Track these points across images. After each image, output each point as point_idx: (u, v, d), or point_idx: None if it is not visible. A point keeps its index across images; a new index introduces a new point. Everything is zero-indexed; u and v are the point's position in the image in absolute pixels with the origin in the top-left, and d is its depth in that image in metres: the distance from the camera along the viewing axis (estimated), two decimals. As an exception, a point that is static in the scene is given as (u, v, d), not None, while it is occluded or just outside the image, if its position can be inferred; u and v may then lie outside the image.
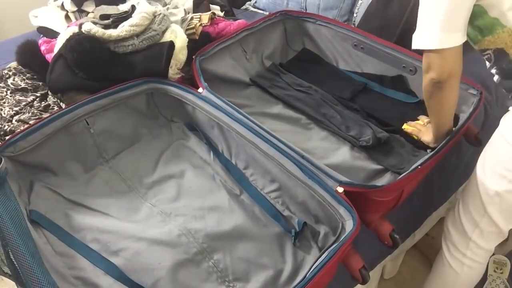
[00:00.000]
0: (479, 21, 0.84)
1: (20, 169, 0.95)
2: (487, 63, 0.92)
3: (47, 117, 0.97)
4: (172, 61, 1.11)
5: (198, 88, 1.08)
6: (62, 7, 1.43)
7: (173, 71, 1.13)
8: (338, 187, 0.84)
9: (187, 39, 1.17)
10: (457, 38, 0.80)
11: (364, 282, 0.79)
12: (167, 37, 1.14)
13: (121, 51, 1.08)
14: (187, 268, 0.84)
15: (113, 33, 1.07)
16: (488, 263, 1.26)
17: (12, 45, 1.30)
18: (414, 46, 0.84)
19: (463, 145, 1.14)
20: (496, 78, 0.93)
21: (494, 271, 1.31)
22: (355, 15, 1.56)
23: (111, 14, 1.15)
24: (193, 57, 1.17)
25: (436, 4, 0.79)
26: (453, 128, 0.98)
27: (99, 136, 1.06)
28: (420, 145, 1.06)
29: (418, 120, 1.12)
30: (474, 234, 1.00)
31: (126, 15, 1.14)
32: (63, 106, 1.12)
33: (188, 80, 1.15)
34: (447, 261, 1.06)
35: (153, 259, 0.85)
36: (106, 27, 1.11)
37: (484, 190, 0.94)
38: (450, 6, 0.78)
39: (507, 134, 0.89)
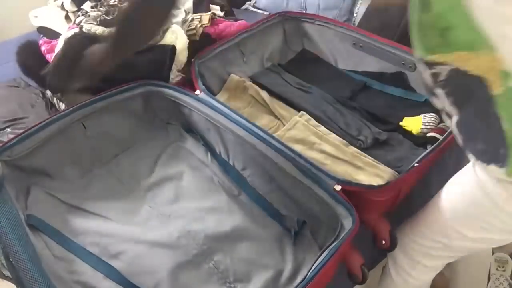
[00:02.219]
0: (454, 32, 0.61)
1: (17, 174, 0.94)
2: (429, 79, 0.69)
3: (43, 121, 0.97)
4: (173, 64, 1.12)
5: (195, 90, 1.09)
6: (62, 7, 1.43)
7: (174, 74, 1.13)
8: (336, 185, 0.85)
9: (188, 40, 1.18)
10: None
11: (364, 279, 0.80)
12: (167, 38, 1.15)
13: (121, 50, 1.08)
14: (188, 270, 0.84)
15: (113, 30, 1.07)
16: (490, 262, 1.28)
17: (12, 45, 1.29)
18: None
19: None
20: (445, 101, 0.70)
21: (497, 269, 1.32)
22: (355, 15, 1.57)
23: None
24: (192, 60, 1.17)
25: None
26: None
27: (96, 139, 1.06)
28: (420, 143, 1.07)
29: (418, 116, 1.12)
30: (419, 256, 0.94)
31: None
32: (63, 106, 1.11)
33: (189, 81, 1.16)
34: (391, 277, 1.02)
35: (153, 262, 0.85)
36: (106, 25, 1.11)
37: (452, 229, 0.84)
38: None
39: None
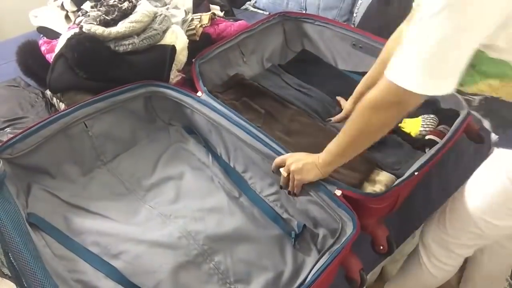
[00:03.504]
0: (484, 66, 0.72)
1: (18, 172, 0.94)
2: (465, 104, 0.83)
3: (45, 119, 0.97)
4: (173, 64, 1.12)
5: (197, 92, 1.09)
6: (62, 7, 1.43)
7: (174, 74, 1.13)
8: (337, 190, 0.85)
9: (188, 40, 1.18)
10: (445, 86, 0.67)
11: (362, 284, 0.81)
12: (167, 38, 1.15)
13: (122, 50, 1.08)
14: (188, 270, 0.85)
15: (112, 30, 1.08)
16: None
17: (12, 45, 1.29)
18: (391, 77, 0.69)
19: (463, 144, 1.15)
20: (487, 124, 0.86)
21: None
22: (355, 15, 1.58)
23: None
24: (193, 60, 1.17)
25: (429, 44, 0.65)
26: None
27: (98, 138, 1.06)
28: (418, 145, 1.08)
29: (417, 118, 1.13)
30: (457, 249, 0.99)
31: (126, 13, 1.14)
32: (63, 106, 1.11)
33: (189, 81, 1.16)
34: (426, 268, 1.05)
35: (153, 262, 0.85)
36: (106, 25, 1.11)
37: (481, 219, 0.88)
38: (444, 50, 0.65)
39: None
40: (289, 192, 0.89)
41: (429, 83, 0.67)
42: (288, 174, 0.86)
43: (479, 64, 0.71)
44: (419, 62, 0.66)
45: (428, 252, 1.04)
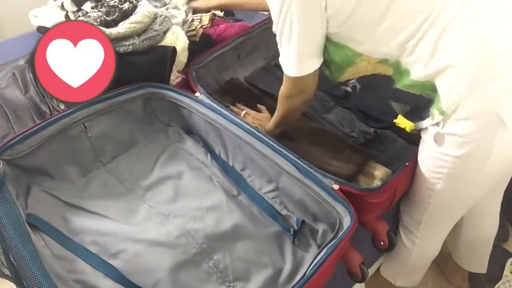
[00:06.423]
0: (335, 58, 0.89)
1: (18, 173, 0.95)
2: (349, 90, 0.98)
3: (44, 120, 0.98)
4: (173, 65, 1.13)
5: (194, 92, 1.10)
6: (62, 7, 1.43)
7: (174, 75, 1.14)
8: (334, 184, 0.86)
9: (188, 41, 1.19)
10: (312, 64, 0.88)
11: (363, 278, 0.81)
12: (168, 39, 1.16)
13: (122, 51, 1.09)
14: (187, 269, 0.84)
15: (113, 30, 1.08)
16: (505, 264, 1.34)
17: (12, 45, 1.29)
18: (283, 68, 0.90)
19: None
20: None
21: (510, 272, 1.33)
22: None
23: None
24: (190, 64, 1.18)
25: (291, 33, 0.84)
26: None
27: (97, 139, 1.06)
28: (412, 140, 1.08)
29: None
30: (423, 217, 1.04)
31: (127, 13, 1.15)
32: (62, 106, 1.12)
33: (189, 82, 1.16)
34: (404, 244, 1.12)
35: (152, 261, 0.85)
36: (106, 25, 1.11)
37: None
38: (304, 36, 0.83)
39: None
40: None
41: (301, 66, 0.87)
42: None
43: (332, 56, 0.89)
44: (291, 53, 0.86)
45: (403, 226, 1.11)
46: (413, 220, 1.06)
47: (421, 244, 1.09)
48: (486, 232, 1.24)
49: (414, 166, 0.94)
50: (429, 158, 0.90)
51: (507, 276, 1.33)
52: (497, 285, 1.32)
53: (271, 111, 1.17)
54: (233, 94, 1.25)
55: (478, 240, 1.25)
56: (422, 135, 0.93)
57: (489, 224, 1.22)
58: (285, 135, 1.11)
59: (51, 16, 1.40)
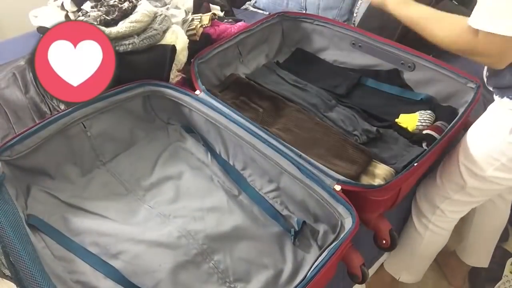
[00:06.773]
0: None
1: (17, 173, 0.94)
2: None
3: (43, 120, 0.97)
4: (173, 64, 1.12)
5: (195, 90, 1.09)
6: (62, 7, 1.42)
7: (174, 74, 1.13)
8: (336, 185, 0.85)
9: (188, 40, 1.18)
10: None
11: (364, 279, 0.80)
12: (168, 38, 1.15)
13: (122, 50, 1.08)
14: (188, 269, 0.84)
15: (113, 30, 1.08)
16: (505, 264, 1.34)
17: (12, 45, 1.29)
18: (477, 25, 0.77)
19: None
20: (485, 73, 0.96)
21: (510, 272, 1.33)
22: (355, 15, 1.57)
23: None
24: (192, 60, 1.17)
25: None
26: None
27: (96, 139, 1.06)
28: (415, 140, 1.07)
29: (414, 113, 1.13)
30: (442, 203, 1.04)
31: (126, 13, 1.14)
32: (62, 106, 1.11)
33: (189, 81, 1.16)
34: (416, 229, 1.12)
35: (153, 261, 0.84)
36: (106, 25, 1.11)
37: (467, 172, 0.96)
38: None
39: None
40: None
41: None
42: None
43: None
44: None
45: (417, 211, 1.10)
46: (431, 205, 1.05)
47: (434, 229, 1.09)
48: (494, 225, 1.23)
49: (422, 168, 0.93)
50: (498, 142, 0.88)
51: (507, 276, 1.33)
52: (497, 285, 1.32)
53: (271, 110, 1.16)
54: (233, 89, 1.24)
55: (487, 230, 1.24)
56: (494, 123, 0.91)
57: (500, 215, 1.21)
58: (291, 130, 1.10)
59: (51, 16, 1.39)
